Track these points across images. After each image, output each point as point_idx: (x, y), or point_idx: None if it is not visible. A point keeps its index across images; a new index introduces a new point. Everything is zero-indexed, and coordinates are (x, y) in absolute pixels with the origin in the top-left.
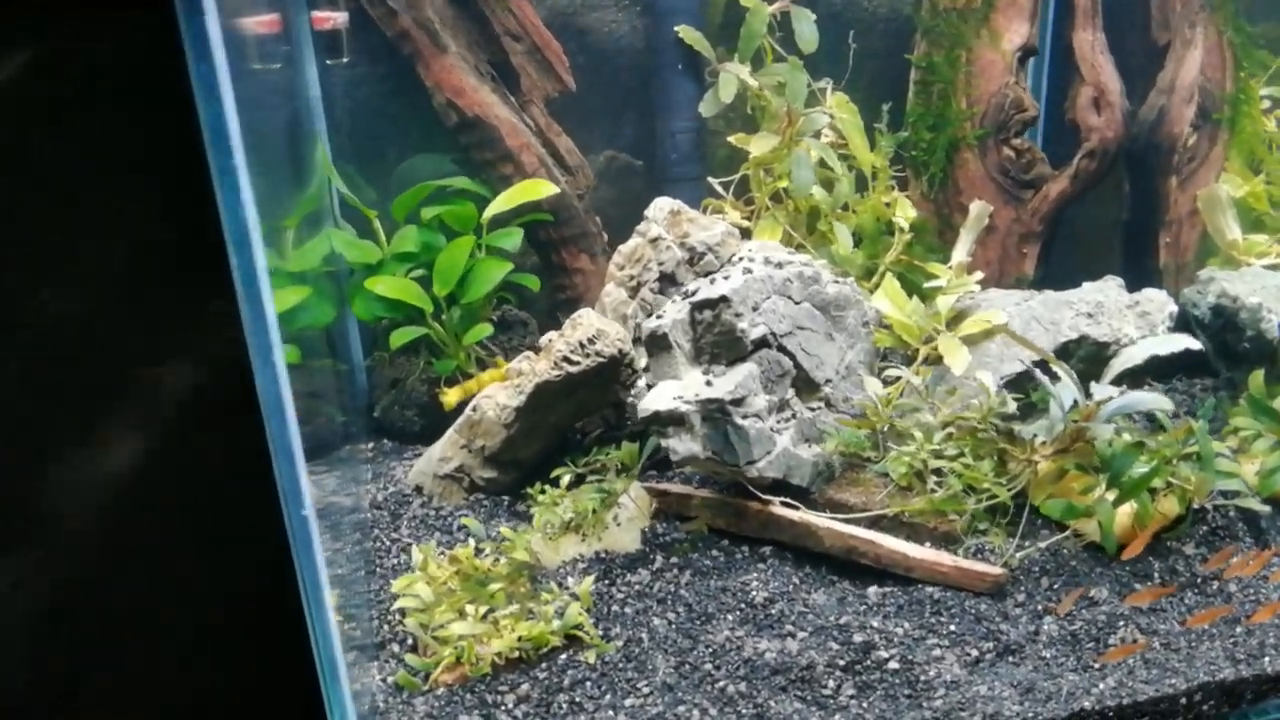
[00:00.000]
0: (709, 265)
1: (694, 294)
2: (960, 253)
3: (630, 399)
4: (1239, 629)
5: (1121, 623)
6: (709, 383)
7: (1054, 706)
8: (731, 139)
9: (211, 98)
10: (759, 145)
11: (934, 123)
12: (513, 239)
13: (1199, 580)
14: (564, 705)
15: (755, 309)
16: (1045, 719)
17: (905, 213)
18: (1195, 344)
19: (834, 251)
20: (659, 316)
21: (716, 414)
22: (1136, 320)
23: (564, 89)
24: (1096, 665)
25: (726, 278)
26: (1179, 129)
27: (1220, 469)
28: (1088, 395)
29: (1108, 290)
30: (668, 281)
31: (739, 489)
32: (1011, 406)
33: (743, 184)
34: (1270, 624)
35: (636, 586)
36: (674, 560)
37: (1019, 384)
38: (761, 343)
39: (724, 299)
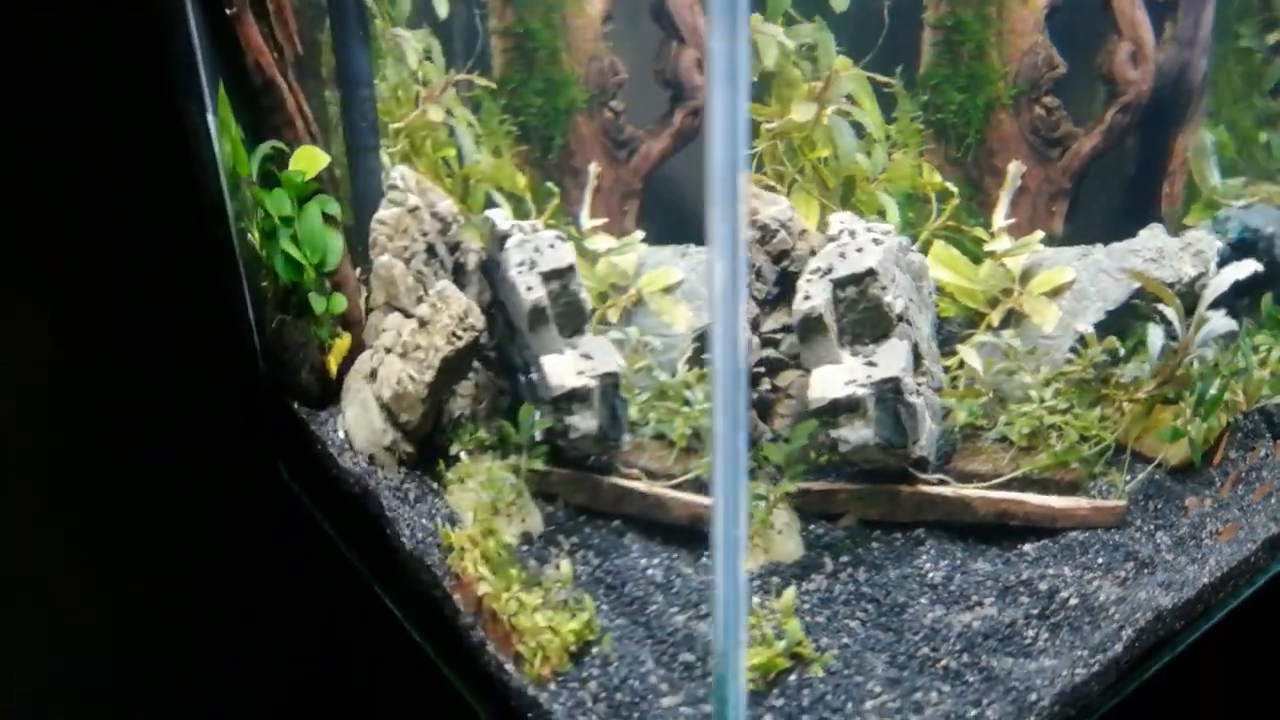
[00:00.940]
0: (783, 243)
1: (829, 270)
2: (1000, 214)
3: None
4: (1273, 499)
5: (1207, 520)
6: (871, 362)
7: (1188, 590)
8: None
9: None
10: (800, 113)
11: (965, 84)
12: None
13: (1243, 474)
14: None
15: (894, 281)
16: (1185, 600)
17: (934, 178)
18: (1259, 266)
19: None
20: (807, 298)
21: (889, 394)
22: (1192, 260)
23: None
24: (1199, 554)
25: (860, 250)
26: (1198, 81)
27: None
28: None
29: (1160, 236)
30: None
31: (874, 475)
32: (1121, 352)
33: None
34: None
35: (817, 594)
36: (843, 560)
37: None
38: (901, 316)
39: (871, 272)
